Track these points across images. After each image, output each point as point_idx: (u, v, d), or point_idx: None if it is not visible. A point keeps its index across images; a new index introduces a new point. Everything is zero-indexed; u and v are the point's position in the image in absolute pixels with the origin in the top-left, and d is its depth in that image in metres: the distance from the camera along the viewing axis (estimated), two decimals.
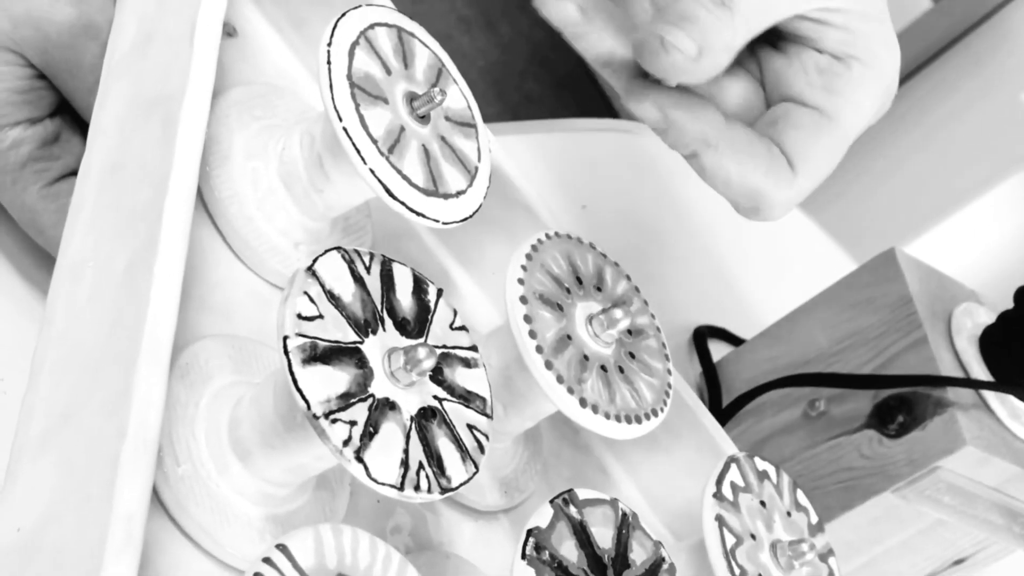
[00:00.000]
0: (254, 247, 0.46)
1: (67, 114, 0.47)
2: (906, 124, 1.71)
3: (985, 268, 1.46)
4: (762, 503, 0.50)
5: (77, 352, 0.39)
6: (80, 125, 0.47)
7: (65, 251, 0.42)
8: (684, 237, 0.86)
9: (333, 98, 0.43)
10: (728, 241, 0.89)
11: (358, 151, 0.43)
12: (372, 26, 0.45)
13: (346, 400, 0.38)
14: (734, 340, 0.80)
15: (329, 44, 0.43)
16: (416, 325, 0.42)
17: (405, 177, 0.44)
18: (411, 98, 0.45)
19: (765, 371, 0.72)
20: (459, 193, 0.45)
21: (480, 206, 0.46)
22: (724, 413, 0.70)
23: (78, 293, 0.41)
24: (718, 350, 0.78)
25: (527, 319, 0.46)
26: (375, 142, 0.43)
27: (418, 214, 0.44)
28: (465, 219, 0.45)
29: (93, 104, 0.45)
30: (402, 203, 0.43)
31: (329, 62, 0.43)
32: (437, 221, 0.44)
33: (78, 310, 0.40)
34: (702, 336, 0.78)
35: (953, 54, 1.70)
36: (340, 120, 0.43)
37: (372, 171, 0.43)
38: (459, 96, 0.48)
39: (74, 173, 0.47)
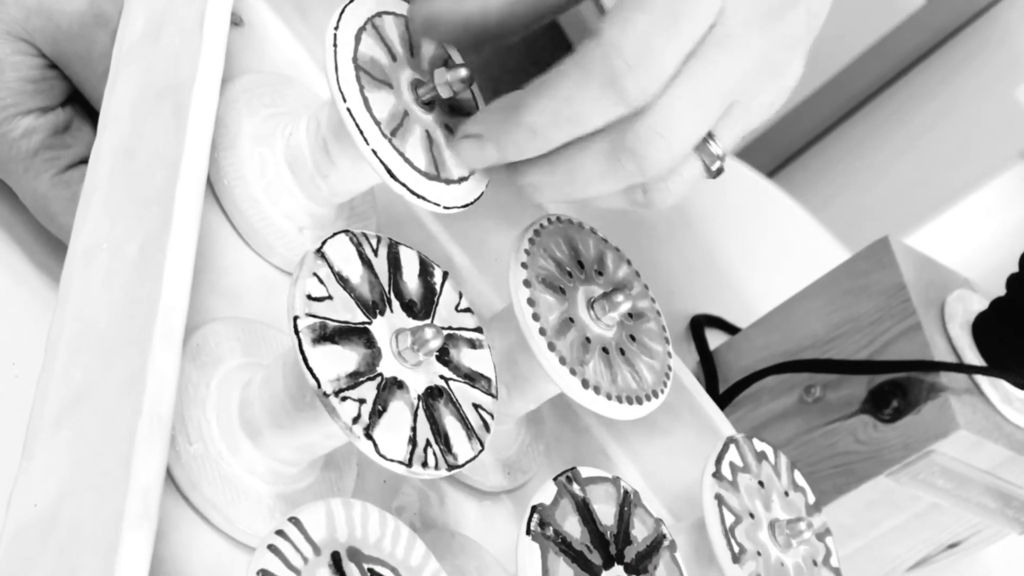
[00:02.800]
0: (258, 229, 0.47)
1: (78, 103, 0.48)
2: (901, 119, 1.72)
3: (979, 261, 1.46)
4: (760, 483, 0.51)
5: (91, 333, 0.40)
6: (91, 114, 0.48)
7: (78, 235, 0.43)
8: (681, 227, 0.87)
9: (338, 79, 0.44)
10: (724, 231, 0.90)
11: (361, 132, 0.44)
12: (380, 14, 0.46)
13: (355, 379, 0.39)
14: (730, 329, 0.81)
15: (336, 28, 0.44)
16: (423, 306, 0.42)
17: (407, 160, 0.44)
18: (416, 84, 0.46)
19: (761, 358, 0.72)
20: (461, 179, 0.46)
21: (482, 194, 0.47)
22: (721, 400, 0.71)
23: (91, 276, 0.42)
24: (715, 339, 0.79)
25: (530, 302, 0.47)
26: (378, 124, 0.44)
27: (419, 196, 0.45)
28: (466, 205, 0.46)
29: (104, 92, 0.46)
30: (403, 185, 0.44)
31: (335, 45, 0.44)
32: (438, 205, 0.45)
33: (92, 292, 0.41)
34: (699, 324, 0.79)
35: (948, 50, 1.70)
36: (344, 101, 0.43)
37: (374, 151, 0.44)
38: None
39: (85, 161, 0.47)
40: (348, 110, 0.43)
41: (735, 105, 0.42)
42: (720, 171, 0.43)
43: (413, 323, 0.42)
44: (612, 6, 0.40)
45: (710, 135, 0.43)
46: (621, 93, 0.40)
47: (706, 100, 0.41)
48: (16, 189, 0.48)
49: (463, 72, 0.45)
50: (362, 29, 0.45)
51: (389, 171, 0.44)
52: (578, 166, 0.42)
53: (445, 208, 0.45)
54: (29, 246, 0.49)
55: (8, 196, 0.49)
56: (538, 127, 0.41)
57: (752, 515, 0.50)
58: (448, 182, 0.46)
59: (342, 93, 0.44)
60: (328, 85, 0.44)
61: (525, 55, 0.58)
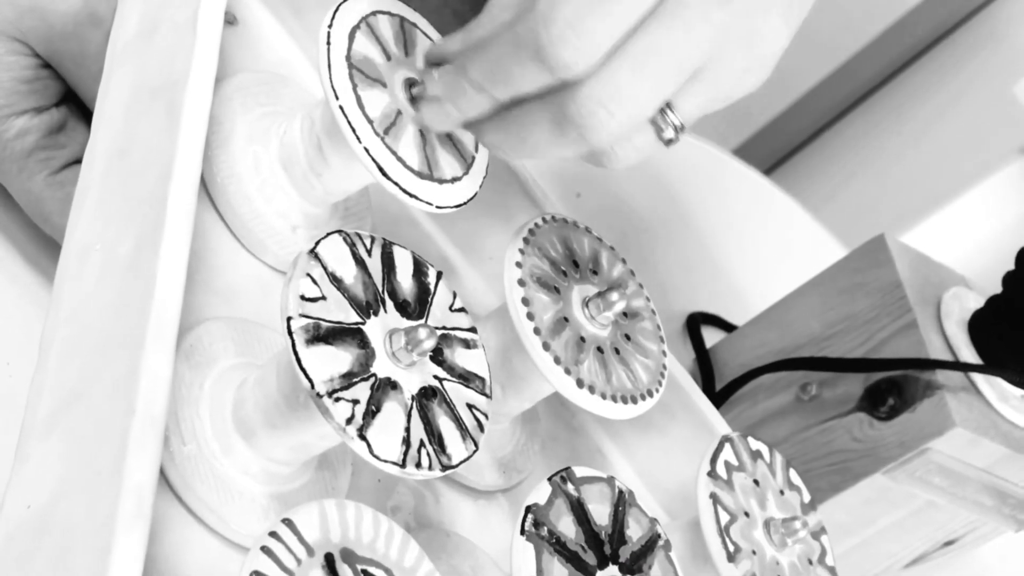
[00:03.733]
0: (252, 228, 0.47)
1: (72, 103, 0.48)
2: (898, 116, 1.72)
3: (976, 259, 1.46)
4: (755, 482, 0.51)
5: (85, 333, 0.40)
6: (85, 114, 0.48)
7: (71, 235, 0.43)
8: (677, 225, 0.87)
9: (331, 77, 0.44)
10: (721, 229, 0.90)
11: (353, 130, 0.44)
12: (374, 13, 0.46)
13: (349, 379, 0.39)
14: (727, 326, 0.81)
15: (330, 26, 0.44)
16: (417, 307, 0.42)
17: (400, 159, 0.44)
18: (410, 84, 0.46)
19: (758, 356, 0.72)
20: (454, 179, 0.46)
21: (475, 195, 0.47)
22: (717, 398, 0.71)
23: (85, 276, 0.41)
24: (711, 336, 0.79)
25: (525, 301, 0.47)
26: (371, 122, 0.44)
27: (411, 196, 0.45)
28: (459, 206, 0.46)
29: (97, 92, 0.46)
30: (396, 183, 0.44)
31: (329, 43, 0.44)
32: (431, 204, 0.45)
33: (85, 293, 0.41)
34: (695, 322, 0.79)
35: (945, 46, 1.70)
36: (337, 98, 0.43)
37: (367, 150, 0.44)
38: None
39: (79, 161, 0.47)
40: (341, 108, 0.43)
41: (699, 75, 0.42)
42: (671, 141, 0.43)
43: (407, 323, 0.42)
44: None
45: (668, 105, 0.42)
46: (548, 64, 0.40)
47: (655, 71, 0.41)
48: (10, 189, 0.48)
49: None
50: (356, 28, 0.45)
51: (381, 170, 0.44)
52: (527, 130, 0.43)
53: (438, 208, 0.45)
54: (23, 246, 0.49)
55: (2, 196, 0.49)
56: (481, 85, 0.42)
57: (747, 514, 0.50)
58: (441, 181, 0.46)
59: (335, 91, 0.43)
60: (321, 83, 0.44)
61: None
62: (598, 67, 0.40)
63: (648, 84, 0.41)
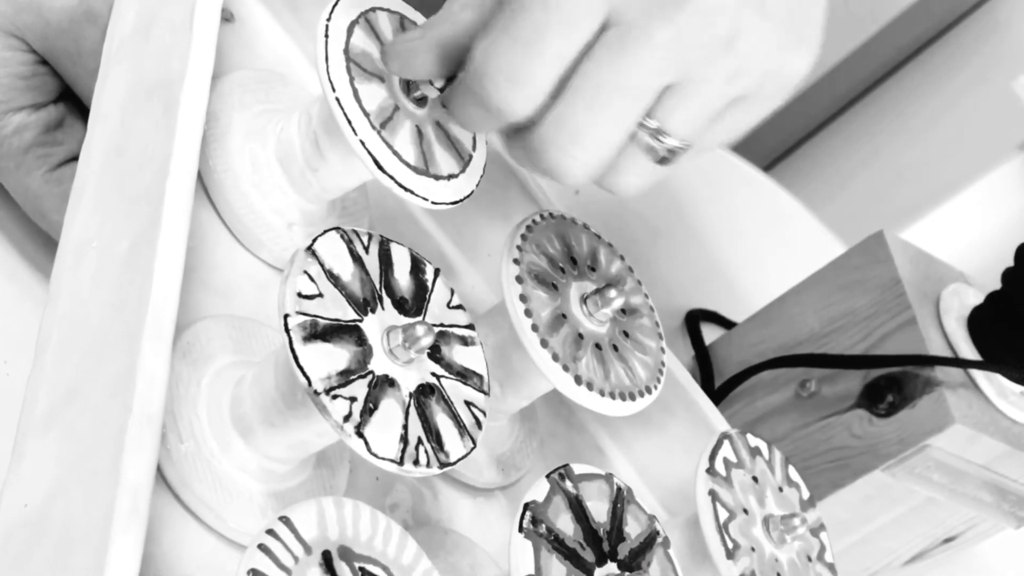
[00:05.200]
0: (247, 223, 0.47)
1: (70, 100, 0.48)
2: (897, 113, 1.72)
3: (976, 255, 1.46)
4: (754, 479, 0.51)
5: (81, 332, 0.40)
6: (83, 111, 0.48)
7: (68, 233, 0.43)
8: (676, 222, 0.87)
9: (328, 68, 0.43)
10: (719, 226, 0.90)
11: (349, 122, 0.43)
12: (373, 9, 0.46)
13: (346, 377, 0.39)
14: (726, 323, 0.81)
15: (328, 19, 0.44)
16: (414, 304, 0.42)
17: (395, 152, 0.44)
18: (408, 80, 0.46)
19: (757, 353, 0.72)
20: (450, 176, 0.46)
21: (471, 193, 0.47)
22: (716, 395, 0.71)
23: (82, 274, 0.41)
24: (710, 333, 0.79)
25: (523, 298, 0.47)
26: (367, 115, 0.44)
27: (407, 190, 0.44)
28: (454, 202, 0.46)
29: (94, 89, 0.46)
30: (391, 177, 0.44)
31: (327, 35, 0.44)
32: (426, 200, 0.45)
33: (82, 291, 0.41)
34: (694, 319, 0.79)
35: (945, 42, 1.70)
36: (333, 91, 0.43)
37: (362, 142, 0.44)
38: None
39: (77, 158, 0.47)
40: (337, 100, 0.43)
41: (675, 88, 0.41)
42: (665, 159, 0.42)
43: (404, 320, 0.41)
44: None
45: (646, 126, 0.42)
46: (494, 112, 0.41)
47: (608, 104, 0.40)
48: (7, 186, 0.48)
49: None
50: (355, 22, 0.45)
51: (377, 163, 0.44)
52: (518, 158, 0.43)
53: (433, 203, 0.45)
54: (21, 243, 0.49)
55: (0, 193, 0.49)
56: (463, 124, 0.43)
57: (746, 511, 0.50)
58: (437, 178, 0.45)
59: (331, 82, 0.43)
60: (318, 75, 0.44)
61: None
62: (548, 108, 0.40)
63: (605, 118, 0.40)
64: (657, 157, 0.42)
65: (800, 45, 0.43)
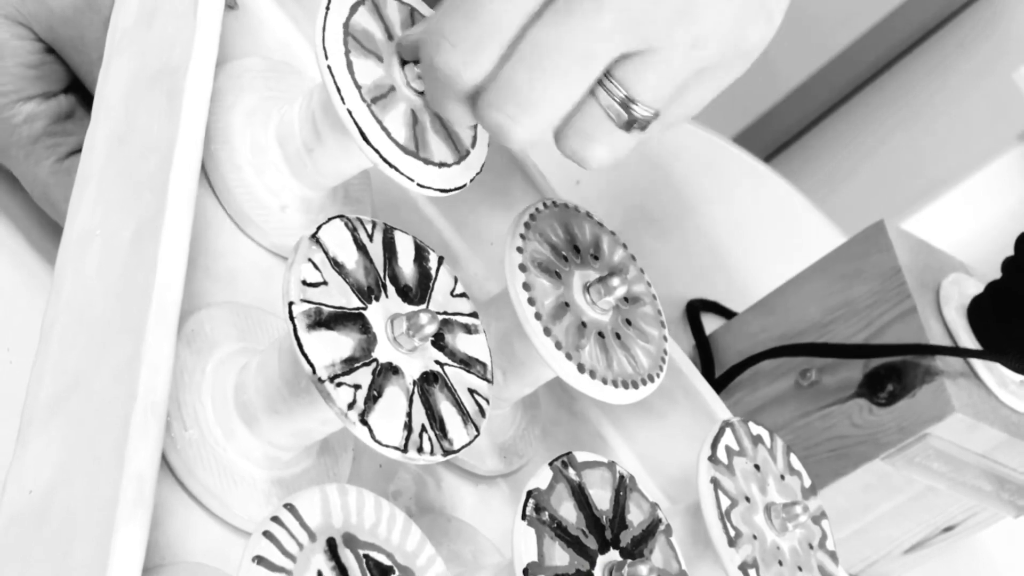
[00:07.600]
0: (236, 196, 0.46)
1: (80, 92, 0.48)
2: (898, 103, 1.72)
3: (975, 245, 1.46)
4: (756, 467, 0.51)
5: (86, 319, 0.40)
6: (92, 103, 0.48)
7: (72, 221, 0.43)
8: (676, 212, 0.87)
9: (324, 38, 0.43)
10: (720, 216, 0.90)
11: (339, 89, 0.43)
12: None
13: (350, 364, 0.39)
14: (727, 313, 0.81)
15: None
16: (418, 292, 0.42)
17: (384, 128, 0.44)
18: (406, 63, 0.45)
19: (757, 342, 0.72)
20: (441, 164, 0.46)
21: (465, 185, 0.46)
22: (717, 384, 0.71)
23: (86, 262, 0.41)
24: (710, 323, 0.79)
25: (526, 286, 0.47)
26: (359, 87, 0.43)
27: (391, 166, 0.44)
28: (444, 190, 0.45)
29: (98, 78, 0.46)
30: (376, 151, 0.43)
31: (328, 7, 0.44)
32: (412, 180, 0.44)
33: (86, 279, 0.41)
34: (695, 309, 0.79)
35: (945, 33, 1.70)
36: (326, 58, 0.43)
37: (349, 111, 0.43)
38: None
39: None
40: (328, 67, 0.43)
41: (637, 56, 0.41)
42: (631, 125, 0.42)
43: (408, 308, 0.42)
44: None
45: (611, 93, 0.41)
46: (443, 80, 0.41)
47: (556, 68, 0.40)
48: (17, 175, 0.48)
49: None
50: (360, 2, 0.45)
51: (363, 134, 0.43)
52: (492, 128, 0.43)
53: (419, 185, 0.44)
54: (29, 232, 0.49)
55: (8, 181, 0.49)
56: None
57: (748, 499, 0.50)
58: (427, 162, 0.45)
59: (325, 51, 0.43)
60: (313, 44, 0.43)
61: None
62: (494, 70, 0.40)
63: (547, 81, 0.40)
64: (622, 122, 0.42)
65: (759, 14, 0.43)
